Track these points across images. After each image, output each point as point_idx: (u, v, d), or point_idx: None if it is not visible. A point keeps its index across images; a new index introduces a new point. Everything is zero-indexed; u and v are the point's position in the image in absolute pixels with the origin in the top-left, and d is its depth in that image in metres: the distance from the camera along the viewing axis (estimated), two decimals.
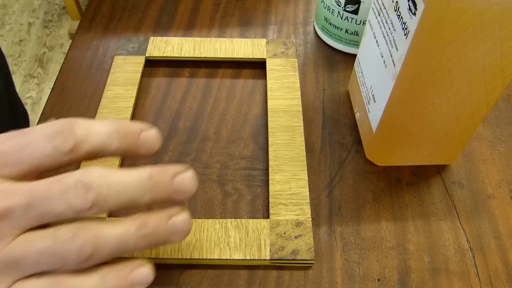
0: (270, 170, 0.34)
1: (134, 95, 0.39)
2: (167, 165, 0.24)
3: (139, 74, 0.41)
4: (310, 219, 0.32)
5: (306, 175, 0.34)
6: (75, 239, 0.20)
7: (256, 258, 0.30)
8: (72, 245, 0.20)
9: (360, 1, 0.39)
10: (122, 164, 0.36)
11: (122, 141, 0.23)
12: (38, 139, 0.21)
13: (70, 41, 1.46)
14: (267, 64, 0.42)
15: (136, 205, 0.22)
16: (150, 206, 0.24)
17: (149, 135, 0.23)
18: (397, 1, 0.28)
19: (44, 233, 0.20)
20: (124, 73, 0.41)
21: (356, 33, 0.42)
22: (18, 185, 0.20)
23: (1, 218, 0.20)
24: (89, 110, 0.39)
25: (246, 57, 0.43)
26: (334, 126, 0.39)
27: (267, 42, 0.44)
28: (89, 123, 0.22)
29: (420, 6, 0.25)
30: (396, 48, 0.29)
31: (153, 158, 0.36)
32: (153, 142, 0.24)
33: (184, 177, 0.24)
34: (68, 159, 0.21)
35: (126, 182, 0.22)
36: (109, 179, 0.21)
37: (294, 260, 0.30)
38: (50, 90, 0.41)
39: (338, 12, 0.41)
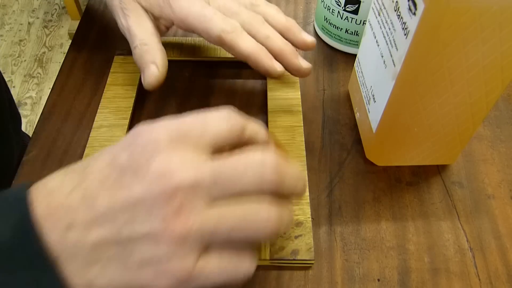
0: None
1: (134, 95, 0.39)
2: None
3: (139, 74, 0.41)
4: (310, 219, 0.32)
5: (306, 175, 0.34)
6: (266, 215, 0.22)
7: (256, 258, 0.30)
8: (263, 218, 0.22)
9: (360, 1, 0.39)
10: None
11: (266, 136, 0.26)
12: (216, 118, 0.24)
13: (70, 41, 1.46)
14: None
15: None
16: None
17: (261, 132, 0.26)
18: (397, 1, 0.28)
19: (237, 206, 0.22)
20: (124, 73, 0.41)
21: (356, 33, 0.42)
22: (204, 155, 0.22)
23: (190, 188, 0.21)
24: (89, 110, 0.39)
25: None
26: (334, 126, 0.39)
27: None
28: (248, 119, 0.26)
29: (420, 6, 0.25)
30: (396, 48, 0.29)
31: None
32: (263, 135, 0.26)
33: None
34: (237, 140, 0.24)
35: (297, 176, 0.25)
36: (287, 168, 0.24)
37: (294, 260, 0.30)
38: (50, 90, 0.41)
39: (338, 12, 0.41)
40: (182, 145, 0.22)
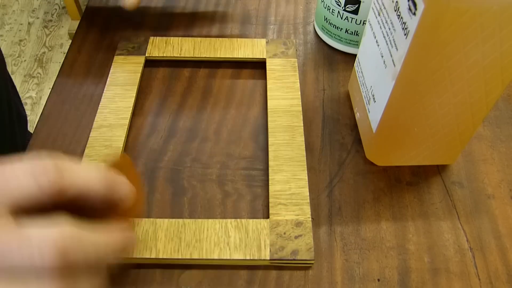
0: (270, 170, 0.34)
1: (134, 95, 0.39)
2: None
3: (139, 74, 0.41)
4: (310, 219, 0.32)
5: (306, 175, 0.34)
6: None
7: (256, 258, 0.30)
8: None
9: (360, 1, 0.39)
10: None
11: (104, 188, 0.22)
12: (23, 174, 0.20)
13: (70, 41, 1.46)
14: (267, 64, 0.42)
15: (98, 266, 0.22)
16: None
17: (125, 186, 0.24)
18: (397, 1, 0.28)
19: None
20: (124, 73, 0.41)
21: (356, 33, 0.42)
22: None
23: None
24: (89, 110, 0.39)
25: (246, 57, 0.43)
26: (334, 126, 0.39)
27: (267, 42, 0.44)
28: (76, 166, 0.22)
29: (420, 6, 0.25)
30: (396, 48, 0.29)
31: (153, 157, 0.36)
32: (126, 191, 0.24)
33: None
34: (51, 200, 0.20)
35: (97, 244, 0.21)
36: (80, 240, 0.20)
37: (294, 260, 0.30)
38: (49, 90, 0.41)
39: (338, 12, 0.41)
40: None
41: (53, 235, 0.19)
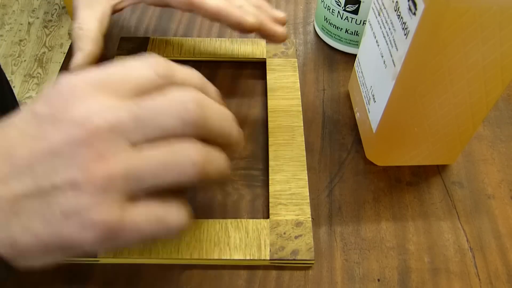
0: (270, 170, 0.34)
1: None
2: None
3: None
4: (310, 219, 0.32)
5: (306, 175, 0.34)
6: (191, 152, 0.22)
7: (256, 258, 0.30)
8: (188, 157, 0.22)
9: (360, 1, 0.39)
10: None
11: (198, 83, 0.26)
12: (139, 64, 0.23)
13: (70, 41, 1.45)
14: (267, 64, 0.42)
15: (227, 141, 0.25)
16: None
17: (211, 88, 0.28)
18: (397, 1, 0.28)
19: (160, 147, 0.21)
20: None
21: (356, 33, 0.42)
22: (126, 101, 0.22)
23: (111, 131, 0.21)
24: None
25: (246, 57, 0.43)
26: (334, 126, 0.39)
27: (267, 42, 0.44)
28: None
29: (420, 6, 0.25)
30: (396, 48, 0.29)
31: None
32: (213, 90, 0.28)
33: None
34: (167, 83, 0.23)
35: (223, 112, 0.24)
36: (210, 102, 0.23)
37: (294, 260, 0.30)
38: None
39: (338, 12, 0.41)
40: (102, 92, 0.22)
41: (191, 93, 0.22)
